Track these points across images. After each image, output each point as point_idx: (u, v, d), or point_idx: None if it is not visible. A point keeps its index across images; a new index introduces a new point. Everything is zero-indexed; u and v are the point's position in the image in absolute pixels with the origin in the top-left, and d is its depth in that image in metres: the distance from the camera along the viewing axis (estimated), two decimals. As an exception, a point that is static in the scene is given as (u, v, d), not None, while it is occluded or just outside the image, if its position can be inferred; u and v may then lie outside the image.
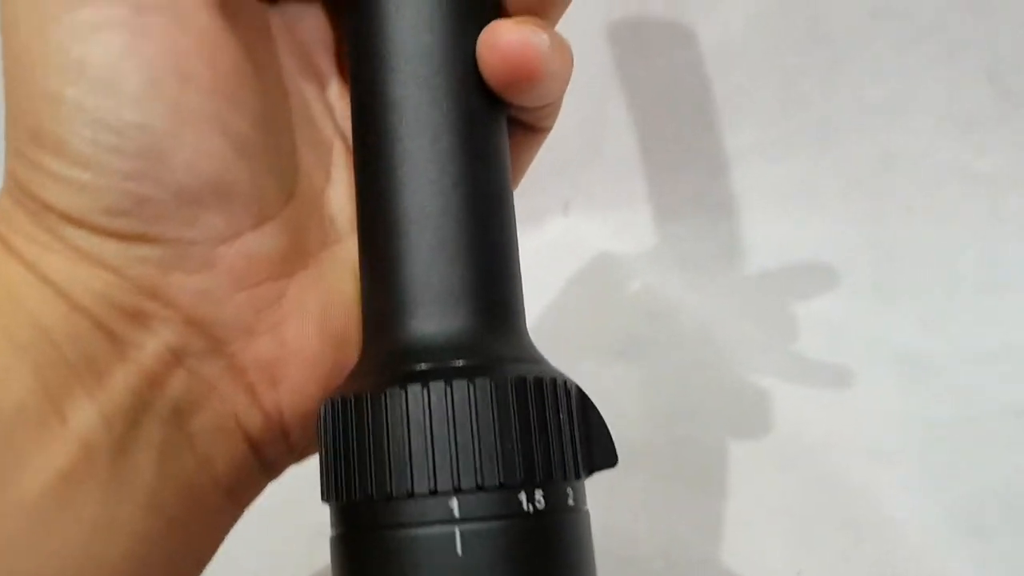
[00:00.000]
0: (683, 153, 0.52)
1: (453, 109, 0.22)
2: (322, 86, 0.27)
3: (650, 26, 0.50)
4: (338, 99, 0.27)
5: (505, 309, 0.22)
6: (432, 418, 0.19)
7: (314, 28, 0.27)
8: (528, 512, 0.19)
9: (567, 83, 0.23)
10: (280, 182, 0.24)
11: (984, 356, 0.43)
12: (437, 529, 0.19)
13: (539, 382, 0.20)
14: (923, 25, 0.48)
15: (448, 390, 0.19)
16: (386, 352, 0.21)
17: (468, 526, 0.18)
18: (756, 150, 0.51)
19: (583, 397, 0.21)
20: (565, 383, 0.21)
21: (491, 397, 0.19)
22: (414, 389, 0.19)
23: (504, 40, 0.22)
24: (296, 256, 0.24)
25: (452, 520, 0.19)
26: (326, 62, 0.27)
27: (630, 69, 0.51)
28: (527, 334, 0.23)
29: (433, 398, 0.19)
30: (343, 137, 0.27)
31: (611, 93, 0.52)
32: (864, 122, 0.49)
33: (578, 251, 0.54)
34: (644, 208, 0.53)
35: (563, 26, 0.25)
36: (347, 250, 0.25)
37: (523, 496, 0.19)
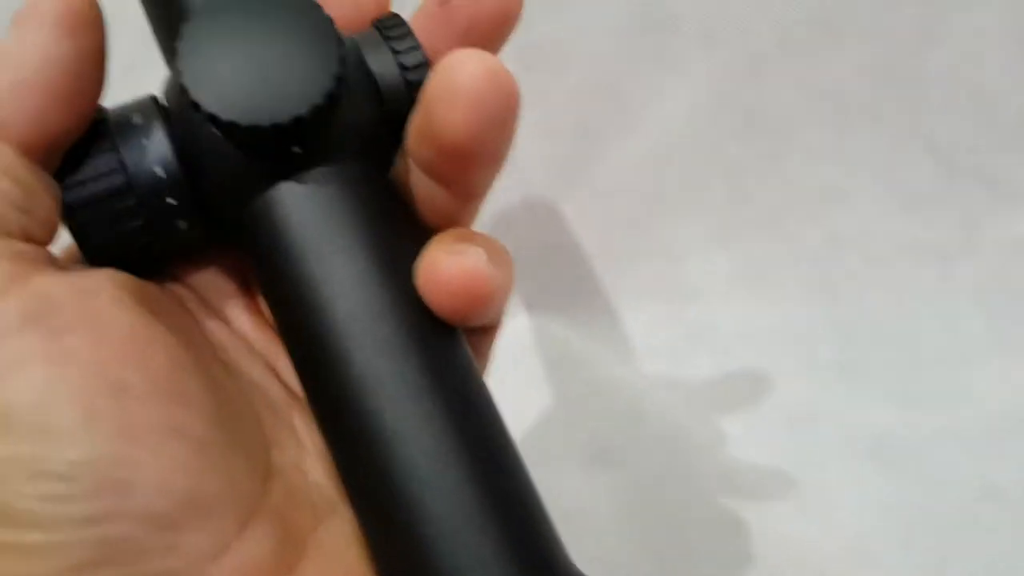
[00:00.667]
0: (638, 245, 0.52)
1: (416, 357, 0.20)
2: (251, 347, 0.25)
3: (596, 124, 0.51)
4: (275, 356, 0.25)
5: (547, 556, 0.20)
6: None
7: (225, 291, 0.25)
8: None
9: (512, 287, 0.22)
10: (253, 470, 0.22)
11: (955, 433, 0.43)
12: None
13: None
14: (858, 106, 0.49)
15: None
16: None
17: None
18: (708, 239, 0.51)
19: None
20: None
21: None
22: None
23: (444, 275, 0.21)
24: (292, 547, 0.21)
25: None
26: (248, 323, 0.25)
27: (580, 166, 0.52)
28: (568, 559, 0.21)
29: None
30: (295, 395, 0.24)
31: (564, 190, 0.52)
32: (808, 206, 0.50)
33: (542, 349, 0.54)
34: (605, 301, 0.53)
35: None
36: (342, 521, 0.22)
37: None
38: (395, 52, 0.23)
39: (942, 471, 0.42)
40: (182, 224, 0.22)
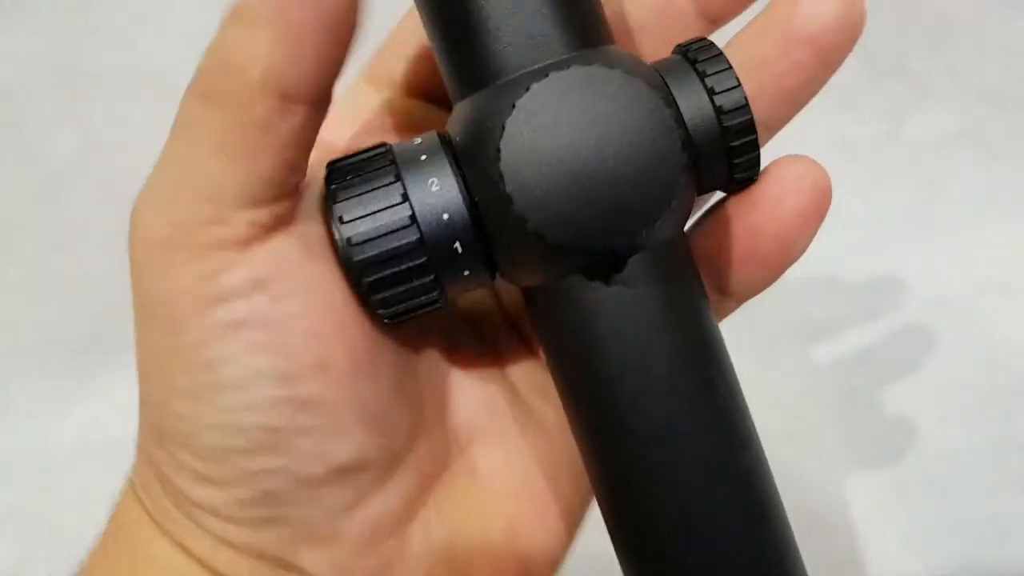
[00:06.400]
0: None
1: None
2: None
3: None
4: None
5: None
6: None
7: None
8: None
9: None
10: (406, 431, 0.22)
11: None
12: None
13: None
14: None
15: None
16: None
17: None
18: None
19: None
20: None
21: None
22: None
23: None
24: (418, 494, 0.23)
25: None
26: None
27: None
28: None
29: None
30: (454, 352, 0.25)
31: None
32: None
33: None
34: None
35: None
36: (469, 462, 0.24)
37: None
38: (709, 91, 0.20)
39: None
40: (466, 272, 0.20)
